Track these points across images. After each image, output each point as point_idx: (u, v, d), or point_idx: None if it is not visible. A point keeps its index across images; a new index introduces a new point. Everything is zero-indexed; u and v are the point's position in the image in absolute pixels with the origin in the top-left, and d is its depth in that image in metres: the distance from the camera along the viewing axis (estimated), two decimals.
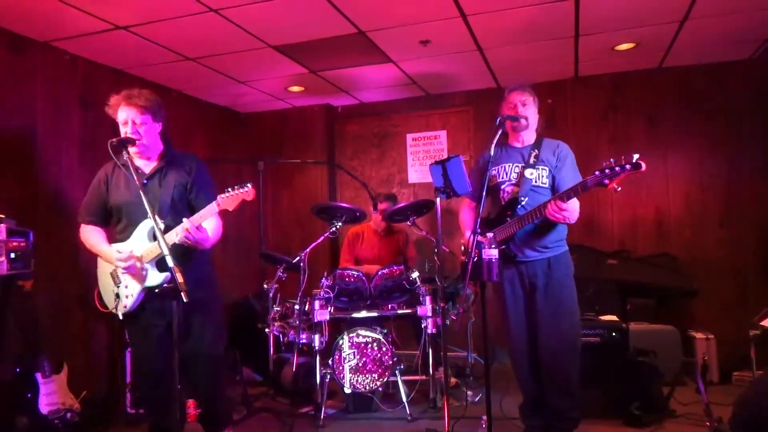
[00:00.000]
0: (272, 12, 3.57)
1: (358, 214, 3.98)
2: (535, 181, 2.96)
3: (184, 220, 2.60)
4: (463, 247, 3.16)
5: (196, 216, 2.63)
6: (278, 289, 4.20)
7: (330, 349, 3.84)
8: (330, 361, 3.79)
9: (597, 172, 2.53)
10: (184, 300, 2.23)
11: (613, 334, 3.59)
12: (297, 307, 3.98)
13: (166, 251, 2.31)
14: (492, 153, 2.78)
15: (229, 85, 5.06)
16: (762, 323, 3.37)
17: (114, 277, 2.78)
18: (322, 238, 4.01)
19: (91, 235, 2.85)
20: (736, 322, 4.41)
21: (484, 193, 2.84)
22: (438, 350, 3.79)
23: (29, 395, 3.21)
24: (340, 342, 3.81)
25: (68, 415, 3.29)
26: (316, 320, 3.81)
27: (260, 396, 4.33)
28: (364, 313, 3.91)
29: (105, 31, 3.73)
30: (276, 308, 4.14)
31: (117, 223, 2.84)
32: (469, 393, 3.99)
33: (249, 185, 2.59)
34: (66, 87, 4.04)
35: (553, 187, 2.96)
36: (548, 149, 3.01)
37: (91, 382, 3.72)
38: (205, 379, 2.91)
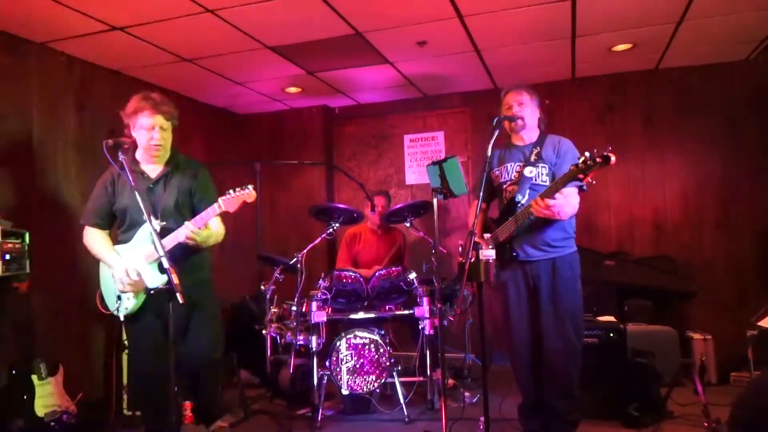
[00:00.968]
0: (269, 13, 3.57)
1: (355, 215, 3.98)
2: (535, 180, 2.95)
3: (186, 222, 2.66)
4: (460, 248, 3.16)
5: (197, 218, 2.69)
6: (275, 291, 4.19)
7: (327, 350, 3.83)
8: (327, 363, 3.78)
9: (572, 167, 2.56)
10: (180, 301, 2.26)
11: (611, 335, 3.59)
12: (294, 308, 3.97)
13: (161, 252, 2.32)
14: (489, 154, 2.78)
15: (226, 86, 5.05)
16: (759, 324, 3.37)
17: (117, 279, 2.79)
18: (320, 239, 4.00)
19: (97, 240, 2.88)
20: (733, 322, 4.41)
21: (481, 194, 2.85)
22: (435, 351, 3.79)
23: (25, 397, 3.20)
24: (338, 343, 3.80)
25: (64, 417, 3.28)
26: (313, 322, 3.80)
27: (258, 398, 4.31)
28: (361, 315, 3.90)
29: (101, 32, 3.72)
30: (273, 310, 4.12)
31: (120, 224, 2.88)
32: (467, 394, 3.99)
33: (250, 187, 2.67)
34: (62, 88, 4.02)
35: None
36: (550, 146, 3.01)
37: (87, 384, 3.71)
38: (202, 381, 2.93)
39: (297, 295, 3.90)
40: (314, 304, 3.82)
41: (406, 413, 3.65)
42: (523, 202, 2.91)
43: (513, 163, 3.04)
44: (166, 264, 2.28)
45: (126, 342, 3.90)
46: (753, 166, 4.74)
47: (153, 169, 2.88)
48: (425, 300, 3.79)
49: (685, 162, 4.95)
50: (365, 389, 3.75)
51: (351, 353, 3.78)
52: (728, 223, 4.80)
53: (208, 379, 2.97)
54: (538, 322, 2.95)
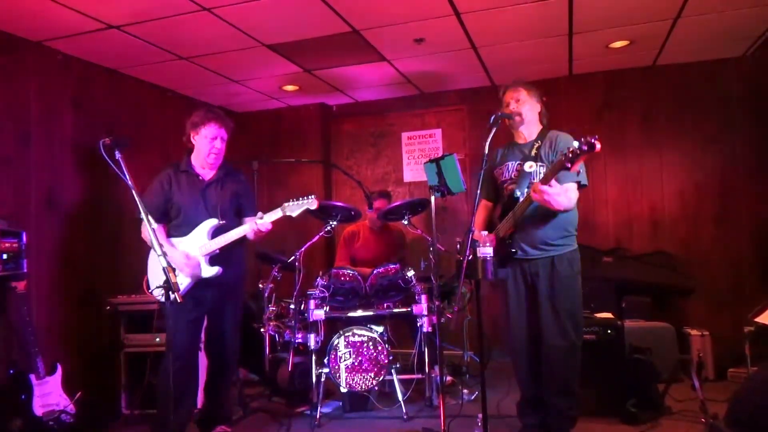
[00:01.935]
0: (266, 11, 3.56)
1: (353, 212, 3.98)
2: (534, 178, 2.94)
3: (260, 213, 3.12)
4: (458, 246, 3.16)
5: (266, 216, 3.12)
6: (273, 289, 4.19)
7: (326, 348, 3.83)
8: (326, 361, 3.78)
9: (561, 156, 2.55)
10: (179, 300, 2.34)
11: (609, 331, 3.59)
12: (292, 306, 3.97)
13: (159, 252, 2.38)
14: (487, 151, 2.77)
15: (223, 84, 5.04)
16: (757, 320, 3.38)
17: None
18: (317, 237, 4.00)
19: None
20: (731, 318, 4.43)
21: (479, 192, 2.85)
22: (434, 349, 3.79)
23: (23, 397, 3.19)
24: (336, 341, 3.80)
25: (63, 416, 3.27)
26: (311, 320, 3.81)
27: (256, 396, 4.32)
28: (359, 312, 3.90)
29: (98, 31, 3.71)
30: (271, 308, 4.12)
31: (175, 219, 3.20)
32: (465, 391, 3.99)
33: (312, 196, 3.18)
34: (59, 87, 4.01)
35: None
36: (548, 142, 3.00)
37: (85, 383, 3.70)
38: (232, 363, 3.38)
39: (295, 293, 3.90)
40: (312, 302, 3.82)
41: (404, 410, 3.65)
42: (521, 200, 2.91)
43: (513, 162, 3.05)
44: (164, 263, 2.31)
45: (122, 341, 3.96)
46: (750, 161, 4.75)
47: (206, 173, 3.27)
48: (423, 297, 3.79)
49: (682, 158, 4.96)
50: (364, 387, 3.75)
51: (349, 351, 3.78)
52: (726, 219, 4.81)
53: (233, 371, 3.41)
54: (537, 320, 2.96)
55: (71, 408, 3.38)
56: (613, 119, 5.13)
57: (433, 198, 3.05)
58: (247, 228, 3.14)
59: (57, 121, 3.99)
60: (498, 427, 3.32)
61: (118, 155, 2.58)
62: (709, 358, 4.34)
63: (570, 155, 2.48)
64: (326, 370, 3.77)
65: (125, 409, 3.91)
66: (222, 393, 3.37)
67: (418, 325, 3.85)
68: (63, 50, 4.00)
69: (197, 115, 3.23)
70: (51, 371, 3.36)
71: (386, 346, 3.78)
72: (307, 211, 3.19)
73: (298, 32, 3.96)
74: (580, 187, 2.87)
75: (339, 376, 3.75)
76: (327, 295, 3.89)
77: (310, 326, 3.82)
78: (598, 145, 2.41)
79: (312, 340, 3.78)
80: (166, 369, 2.97)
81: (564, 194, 2.72)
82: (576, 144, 2.45)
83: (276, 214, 3.13)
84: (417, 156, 5.79)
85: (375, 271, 3.94)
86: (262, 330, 4.15)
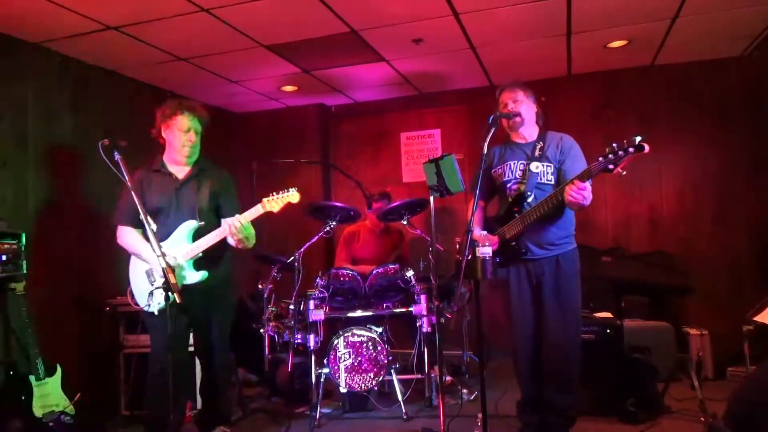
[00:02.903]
0: (264, 11, 3.56)
1: (352, 213, 3.98)
2: (541, 178, 2.94)
3: (232, 218, 2.83)
4: (458, 246, 3.16)
5: (242, 216, 2.85)
6: (273, 289, 4.20)
7: (325, 348, 3.83)
8: (325, 361, 3.78)
9: (601, 158, 2.55)
10: (178, 302, 2.31)
11: (608, 330, 3.60)
12: (292, 307, 3.98)
13: (158, 252, 2.36)
14: (485, 151, 2.77)
15: (222, 84, 5.04)
16: (755, 319, 3.38)
17: (149, 275, 2.89)
18: (317, 237, 4.00)
19: (132, 239, 2.98)
20: (730, 317, 4.42)
21: (477, 191, 2.84)
22: (433, 349, 3.79)
23: (23, 398, 3.19)
24: (336, 341, 3.80)
25: (62, 417, 3.27)
26: (311, 320, 3.80)
27: (256, 397, 4.32)
28: (359, 313, 3.91)
29: (96, 32, 3.71)
30: (271, 308, 4.13)
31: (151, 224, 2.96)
32: (465, 391, 3.99)
33: (294, 189, 2.88)
34: (58, 88, 4.01)
35: (559, 182, 2.93)
36: (552, 144, 3.00)
37: (85, 385, 3.70)
38: (223, 367, 3.16)
39: (295, 293, 3.90)
40: (312, 303, 3.82)
41: (404, 411, 3.65)
42: (530, 200, 2.91)
43: (516, 162, 3.03)
44: (164, 264, 2.30)
45: (121, 342, 3.96)
46: (748, 161, 4.76)
47: (180, 170, 3.01)
48: (423, 297, 3.79)
49: (680, 157, 4.96)
50: (363, 387, 3.75)
51: (349, 351, 3.78)
52: (724, 219, 4.82)
53: (226, 374, 3.19)
54: (540, 319, 2.96)
55: (71, 409, 3.38)
56: (611, 119, 5.13)
57: (432, 198, 3.05)
58: (223, 230, 2.86)
59: (56, 122, 3.99)
60: (497, 427, 3.32)
61: (116, 156, 2.59)
62: (708, 357, 4.34)
63: (613, 158, 2.49)
64: (326, 370, 3.77)
65: (124, 409, 3.91)
66: (217, 397, 3.22)
67: (418, 325, 3.85)
68: (61, 51, 4.00)
69: (168, 106, 2.97)
70: (50, 372, 3.35)
71: (386, 346, 3.78)
72: (290, 205, 2.92)
73: (297, 33, 3.96)
74: None
75: (338, 376, 3.75)
76: (326, 295, 3.89)
77: (309, 326, 3.82)
78: (647, 147, 2.42)
79: (311, 341, 3.78)
80: (152, 379, 2.92)
81: (590, 193, 2.76)
82: (615, 145, 2.47)
83: (256, 211, 2.87)
84: (416, 156, 5.79)
85: (374, 271, 3.94)
86: (261, 330, 4.15)
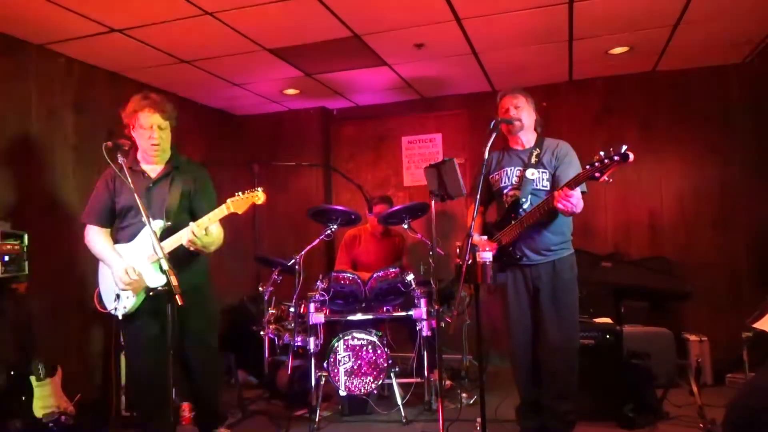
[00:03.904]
0: (267, 15, 3.57)
1: (353, 216, 3.99)
2: (536, 184, 2.96)
3: (191, 223, 2.67)
4: (458, 250, 3.17)
5: (204, 218, 2.70)
6: (273, 292, 4.20)
7: (325, 351, 3.83)
8: (325, 364, 3.79)
9: (588, 166, 2.57)
10: (179, 303, 2.28)
11: (607, 336, 3.60)
12: (292, 309, 3.98)
13: (160, 253, 2.34)
14: (487, 157, 2.79)
15: (224, 87, 5.06)
16: (755, 325, 3.39)
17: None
18: (317, 240, 4.01)
19: (97, 239, 2.89)
20: (729, 324, 4.42)
21: (478, 197, 2.86)
22: (433, 352, 3.80)
23: (23, 398, 3.20)
24: (335, 345, 3.81)
25: (62, 418, 3.28)
26: (311, 323, 3.81)
27: (255, 399, 4.32)
28: (359, 316, 3.91)
29: (100, 34, 3.72)
30: (271, 311, 4.14)
31: (121, 223, 2.88)
32: (464, 395, 4.00)
33: (260, 189, 2.72)
34: (61, 90, 4.03)
35: (553, 188, 2.93)
36: (549, 150, 3.02)
37: (85, 385, 3.71)
38: (202, 382, 2.97)
39: (295, 296, 3.90)
40: (312, 306, 3.83)
41: (403, 414, 3.66)
42: (525, 207, 2.92)
43: (512, 168, 3.05)
44: (165, 266, 2.30)
45: (123, 342, 3.95)
46: (749, 168, 4.76)
47: (153, 169, 2.90)
48: (423, 301, 3.80)
49: (681, 164, 4.97)
50: (363, 390, 3.76)
51: (349, 354, 3.79)
52: (724, 225, 4.83)
53: (209, 380, 3.00)
54: (537, 324, 2.97)
55: (71, 410, 3.39)
56: (612, 124, 5.14)
57: (433, 202, 3.06)
58: (183, 234, 2.69)
59: (59, 123, 4.00)
60: (496, 431, 3.32)
61: (120, 159, 2.60)
62: (708, 364, 4.34)
63: (599, 166, 2.51)
64: (325, 373, 3.77)
65: (124, 410, 3.91)
66: (202, 403, 3.08)
67: (418, 328, 3.86)
68: (65, 53, 4.02)
69: (130, 104, 2.84)
70: (51, 373, 3.36)
71: (385, 349, 3.79)
72: (255, 206, 2.75)
73: (300, 37, 3.98)
74: (581, 193, 2.90)
75: (338, 379, 3.76)
76: (327, 298, 3.89)
77: (309, 329, 3.82)
78: (631, 156, 2.45)
79: (311, 343, 3.78)
80: (134, 391, 2.84)
81: (580, 201, 2.76)
82: (602, 153, 2.49)
83: (221, 212, 2.71)
84: (417, 160, 5.80)
85: (374, 275, 3.95)
86: (261, 333, 4.16)
